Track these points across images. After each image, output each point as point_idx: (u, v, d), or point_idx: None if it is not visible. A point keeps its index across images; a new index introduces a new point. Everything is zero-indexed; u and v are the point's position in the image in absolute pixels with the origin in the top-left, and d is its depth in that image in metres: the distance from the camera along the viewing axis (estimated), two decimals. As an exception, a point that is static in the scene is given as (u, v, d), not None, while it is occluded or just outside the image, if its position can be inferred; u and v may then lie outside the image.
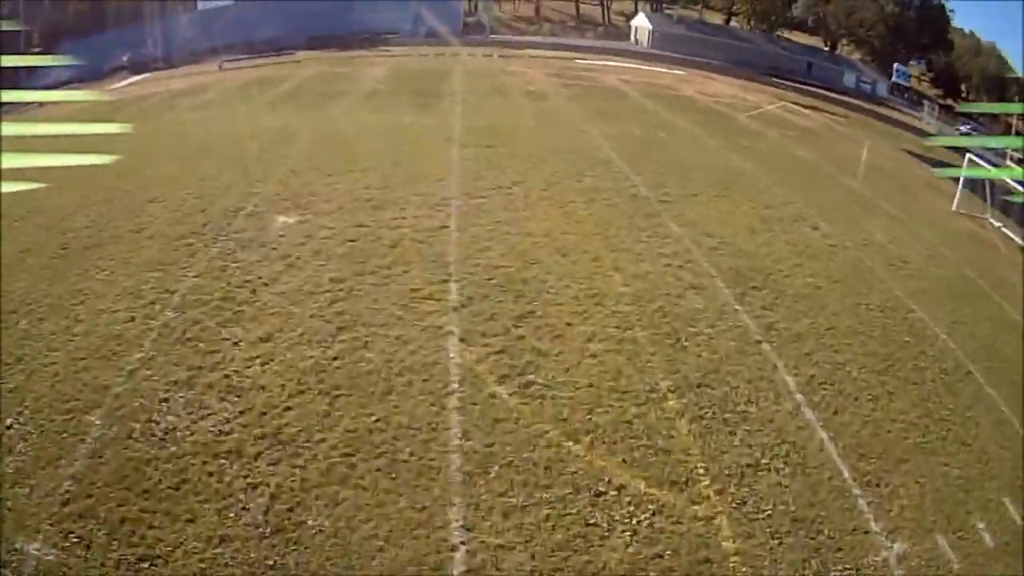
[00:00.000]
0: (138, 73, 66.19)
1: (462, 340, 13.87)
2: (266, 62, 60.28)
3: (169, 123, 33.98)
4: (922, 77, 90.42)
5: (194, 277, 15.89)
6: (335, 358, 13.06)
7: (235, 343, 13.43)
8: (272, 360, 12.93)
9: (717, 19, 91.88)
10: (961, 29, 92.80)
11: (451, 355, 13.40)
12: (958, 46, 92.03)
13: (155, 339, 13.42)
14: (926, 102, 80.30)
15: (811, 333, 15.87)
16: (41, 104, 43.81)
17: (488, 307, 15.15)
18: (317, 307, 14.79)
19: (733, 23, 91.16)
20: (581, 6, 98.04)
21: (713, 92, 51.74)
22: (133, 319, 14.06)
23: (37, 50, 70.04)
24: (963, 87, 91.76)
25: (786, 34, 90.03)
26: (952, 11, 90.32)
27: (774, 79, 66.64)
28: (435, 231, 18.88)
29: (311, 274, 16.16)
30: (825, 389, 13.73)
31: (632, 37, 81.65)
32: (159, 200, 20.81)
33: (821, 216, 23.94)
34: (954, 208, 30.59)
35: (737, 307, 16.58)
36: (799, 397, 13.31)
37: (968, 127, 69.80)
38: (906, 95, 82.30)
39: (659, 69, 59.47)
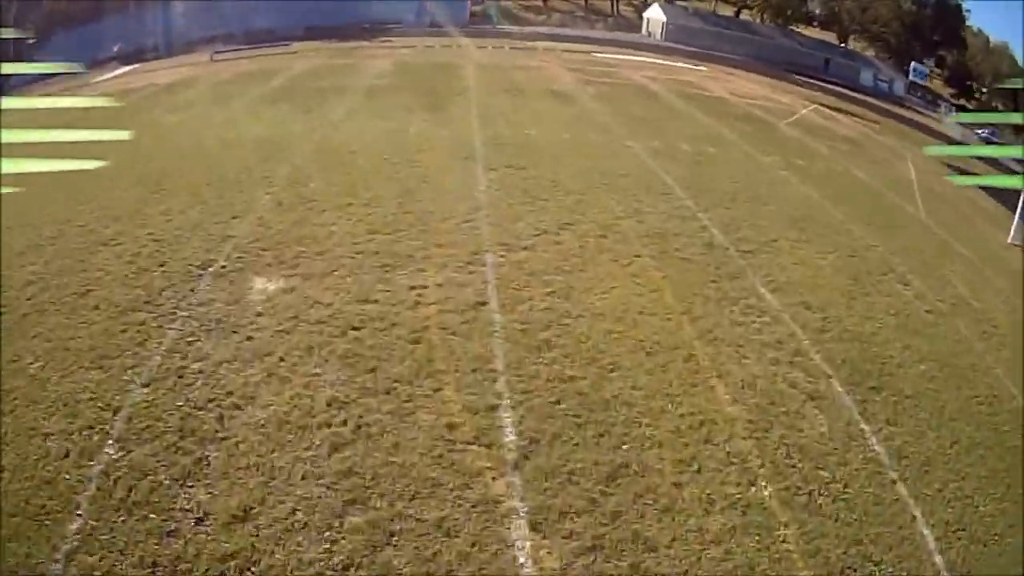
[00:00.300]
0: (129, 63, 61.80)
1: (534, 528, 8.91)
2: (260, 53, 55.13)
3: (144, 127, 28.57)
4: (932, 74, 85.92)
5: (143, 387, 10.96)
6: (346, 566, 8.16)
7: (198, 520, 8.64)
8: (254, 565, 8.10)
9: (727, 12, 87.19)
10: (971, 27, 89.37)
11: (520, 559, 8.49)
12: (970, 45, 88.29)
13: (93, 497, 8.83)
14: (943, 103, 75.97)
15: (938, 456, 11.84)
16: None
17: (561, 457, 10.18)
18: (311, 455, 9.83)
19: (744, 16, 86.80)
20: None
21: (743, 92, 46.88)
22: (67, 454, 9.49)
23: (32, 41, 66.15)
24: (975, 86, 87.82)
25: (798, 29, 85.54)
26: (968, 10, 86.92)
27: (794, 75, 62.92)
28: (470, 311, 13.75)
29: (300, 391, 11.13)
30: (959, 537, 10.18)
31: (644, 29, 76.63)
32: (114, 243, 16.12)
33: (904, 264, 20.16)
34: (1010, 240, 27.32)
35: (863, 425, 12.14)
36: (938, 560, 9.68)
37: (987, 133, 65.45)
38: (919, 94, 78.00)
39: (680, 64, 54.79)
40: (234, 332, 12.60)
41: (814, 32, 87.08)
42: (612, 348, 13.00)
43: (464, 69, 41.88)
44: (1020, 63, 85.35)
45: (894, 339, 15.40)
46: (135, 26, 74.85)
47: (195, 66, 52.37)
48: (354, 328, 12.83)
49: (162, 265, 15.03)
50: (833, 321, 15.57)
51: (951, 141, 57.17)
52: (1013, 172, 44.97)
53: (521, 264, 15.80)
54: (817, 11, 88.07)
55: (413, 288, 14.36)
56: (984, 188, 35.70)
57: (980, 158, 49.25)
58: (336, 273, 14.89)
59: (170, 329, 12.58)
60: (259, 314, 13.21)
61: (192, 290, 14.01)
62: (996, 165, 46.43)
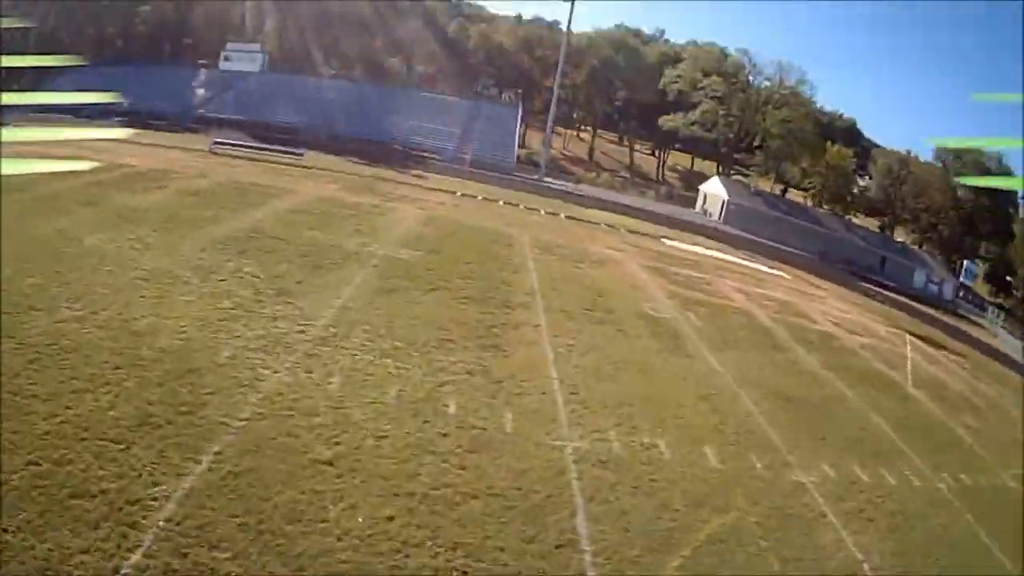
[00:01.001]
0: (130, 126, 51.09)
1: None
2: (266, 156, 43.69)
3: (39, 249, 17.00)
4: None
5: None
6: None
7: None
8: None
9: (765, 184, 78.42)
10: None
11: None
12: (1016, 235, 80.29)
13: None
14: (990, 307, 66.94)
15: None
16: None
17: None
18: None
19: (790, 195, 77.62)
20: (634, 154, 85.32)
21: (840, 320, 35.68)
22: None
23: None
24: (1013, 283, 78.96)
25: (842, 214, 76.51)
26: (1024, 198, 79.79)
27: (857, 280, 53.60)
28: None
29: None
30: None
31: (700, 205, 66.40)
32: None
33: None
34: None
35: None
36: None
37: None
38: (963, 294, 68.63)
39: (758, 266, 44.45)
40: None
41: (860, 220, 78.78)
42: None
43: (518, 247, 29.90)
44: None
45: None
46: (156, 83, 64.78)
47: (189, 152, 41.14)
48: None
49: None
50: None
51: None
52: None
53: None
54: (877, 198, 78.28)
55: None
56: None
57: None
58: None
59: None
60: None
61: None
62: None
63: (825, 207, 73.56)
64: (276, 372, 13.87)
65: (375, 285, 20.15)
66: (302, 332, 15.90)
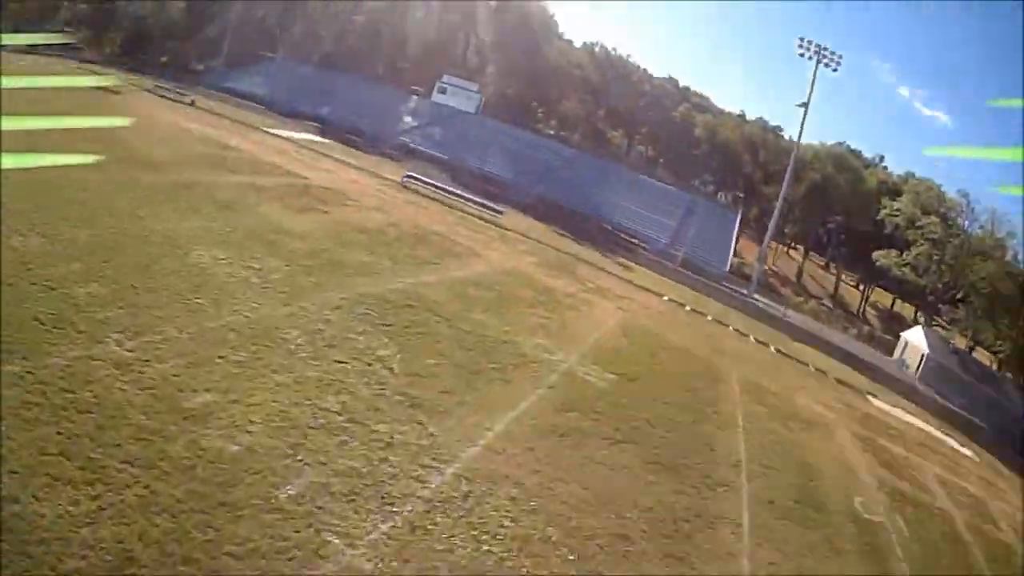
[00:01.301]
0: (321, 135, 50.26)
1: None
2: (459, 202, 40.16)
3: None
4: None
5: None
6: None
7: None
8: None
9: (960, 340, 69.34)
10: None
11: None
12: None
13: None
14: None
15: None
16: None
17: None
18: None
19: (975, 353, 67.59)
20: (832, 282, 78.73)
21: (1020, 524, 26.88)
22: None
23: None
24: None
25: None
26: None
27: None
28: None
29: None
30: None
31: (899, 352, 57.64)
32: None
33: None
34: None
35: None
36: None
37: None
38: None
39: (953, 444, 35.87)
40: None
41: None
42: None
43: (726, 387, 23.54)
44: None
45: None
46: (361, 98, 64.28)
47: (375, 178, 38.53)
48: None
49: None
50: None
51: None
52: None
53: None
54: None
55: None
56: None
57: None
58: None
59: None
60: None
61: None
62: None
63: (1008, 374, 63.23)
64: (354, 546, 8.64)
65: (546, 419, 14.49)
66: (420, 480, 10.55)
